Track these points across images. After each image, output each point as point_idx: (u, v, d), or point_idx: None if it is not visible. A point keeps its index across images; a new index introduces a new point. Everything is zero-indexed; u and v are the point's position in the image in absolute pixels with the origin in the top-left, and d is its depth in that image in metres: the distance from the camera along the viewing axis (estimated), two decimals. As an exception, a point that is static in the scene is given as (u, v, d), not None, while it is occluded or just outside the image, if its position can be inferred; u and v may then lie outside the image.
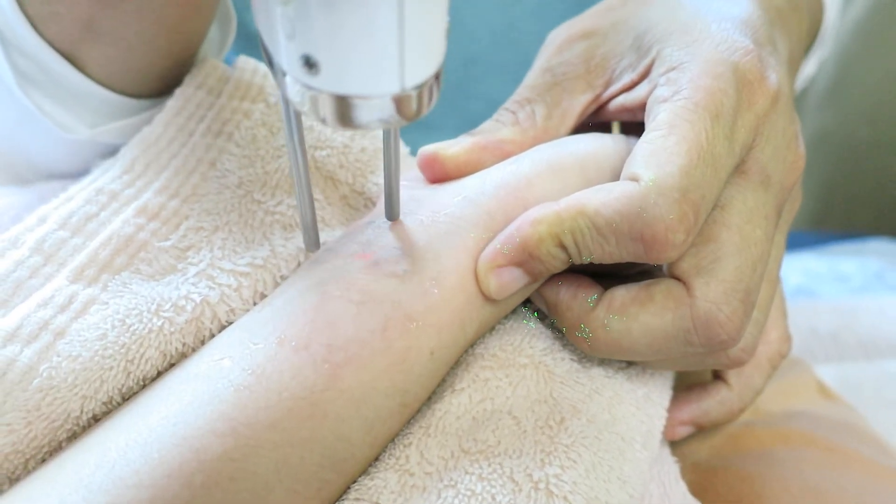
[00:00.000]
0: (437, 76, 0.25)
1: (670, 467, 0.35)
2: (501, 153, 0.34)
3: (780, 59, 0.34)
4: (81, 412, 0.29)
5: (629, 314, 0.31)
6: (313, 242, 0.31)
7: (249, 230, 0.34)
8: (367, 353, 0.28)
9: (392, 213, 0.32)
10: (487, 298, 0.31)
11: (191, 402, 0.26)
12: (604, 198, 0.29)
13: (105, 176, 0.35)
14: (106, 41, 0.36)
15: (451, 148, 0.34)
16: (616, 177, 0.32)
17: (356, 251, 0.31)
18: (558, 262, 0.31)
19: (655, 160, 0.29)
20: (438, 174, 0.34)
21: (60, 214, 0.33)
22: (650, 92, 0.32)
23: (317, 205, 0.36)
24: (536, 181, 0.32)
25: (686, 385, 0.37)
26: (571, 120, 0.36)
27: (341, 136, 0.37)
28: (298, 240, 0.35)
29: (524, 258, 0.30)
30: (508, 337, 0.33)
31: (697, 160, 0.29)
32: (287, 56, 0.23)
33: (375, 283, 0.29)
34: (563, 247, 0.30)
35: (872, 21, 0.97)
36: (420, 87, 0.24)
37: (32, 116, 0.38)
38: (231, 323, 0.32)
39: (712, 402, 0.36)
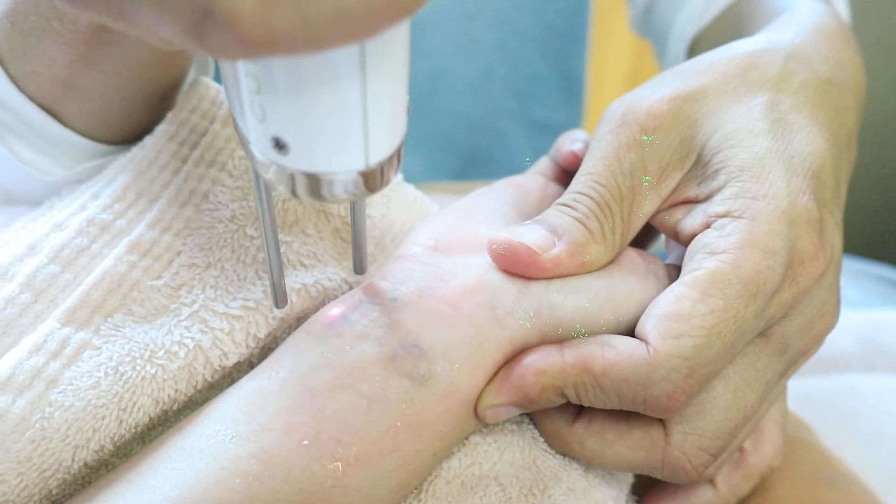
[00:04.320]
0: (399, 149, 0.26)
1: None
2: (581, 272, 0.32)
3: (840, 203, 0.34)
4: (73, 461, 0.29)
5: (606, 441, 0.32)
6: (282, 300, 0.32)
7: (242, 267, 0.34)
8: (377, 453, 0.28)
9: (360, 269, 0.33)
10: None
11: (194, 484, 0.26)
12: (612, 359, 0.29)
13: (96, 203, 0.34)
14: (85, 97, 0.35)
15: (547, 255, 0.31)
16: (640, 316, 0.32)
17: (371, 333, 0.30)
18: (556, 404, 0.31)
19: (676, 328, 0.29)
20: (521, 273, 0.31)
21: (52, 246, 0.32)
22: (702, 227, 0.32)
23: (308, 240, 0.36)
24: (566, 325, 0.31)
25: None
26: (636, 232, 0.34)
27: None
28: (290, 279, 0.34)
29: (524, 402, 0.31)
30: None
31: (717, 339, 0.29)
32: (257, 137, 0.25)
33: (389, 379, 0.29)
34: (563, 395, 0.31)
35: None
36: (383, 163, 0.25)
37: (9, 162, 0.38)
38: (224, 367, 0.32)
39: (696, 503, 0.37)
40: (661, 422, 0.32)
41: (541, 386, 0.30)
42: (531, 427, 0.33)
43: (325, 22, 0.18)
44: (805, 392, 0.65)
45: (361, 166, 0.25)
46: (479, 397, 0.31)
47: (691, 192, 0.33)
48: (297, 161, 0.24)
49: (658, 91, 0.34)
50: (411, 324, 0.30)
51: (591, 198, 0.33)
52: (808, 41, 0.37)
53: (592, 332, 0.31)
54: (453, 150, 0.82)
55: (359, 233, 0.31)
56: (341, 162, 0.24)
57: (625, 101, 0.34)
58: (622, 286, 0.32)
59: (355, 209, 0.31)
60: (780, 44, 0.37)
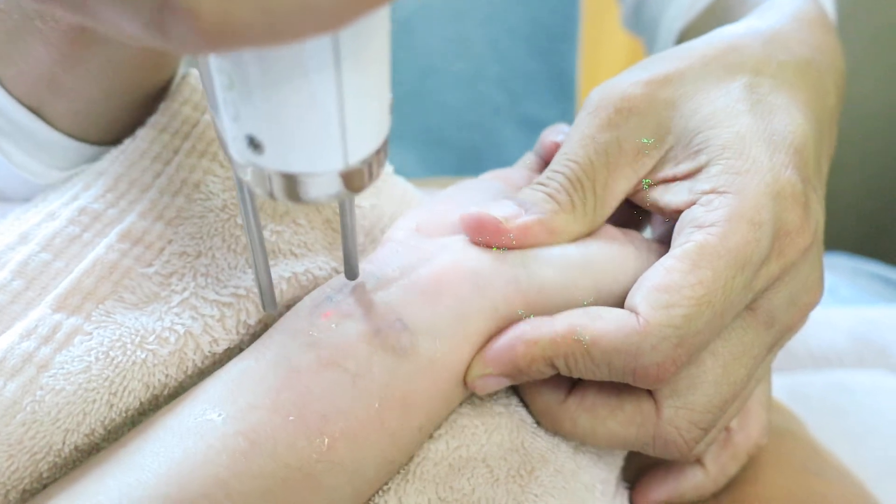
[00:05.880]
0: (381, 148, 0.25)
1: (621, 492, 0.37)
2: (549, 242, 0.33)
3: (822, 180, 0.35)
4: (63, 444, 0.29)
5: (598, 418, 0.32)
6: (270, 304, 0.31)
7: (232, 256, 0.34)
8: (361, 428, 0.28)
9: (351, 275, 0.32)
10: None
11: (182, 461, 0.27)
12: (601, 329, 0.30)
13: (87, 193, 0.34)
14: (71, 97, 0.35)
15: (512, 221, 0.32)
16: (624, 294, 0.32)
17: (355, 312, 0.31)
18: (546, 375, 0.32)
19: (665, 298, 0.29)
20: (487, 242, 0.33)
21: (44, 235, 0.32)
22: (688, 204, 0.32)
23: (300, 229, 0.36)
24: (546, 290, 0.32)
25: (664, 465, 0.38)
26: (612, 208, 0.35)
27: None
28: (280, 267, 0.35)
29: (514, 373, 0.31)
30: None
31: (706, 309, 0.29)
32: (233, 136, 0.24)
33: (373, 354, 0.29)
34: (553, 366, 0.31)
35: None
36: (364, 162, 0.25)
37: (2, 164, 0.38)
38: (214, 354, 0.32)
39: (688, 486, 0.37)
40: (652, 397, 0.32)
41: (531, 356, 0.30)
42: (519, 409, 0.34)
43: (288, 12, 0.17)
44: (796, 387, 0.66)
45: (340, 166, 0.24)
46: (468, 367, 0.31)
47: (669, 172, 0.34)
48: (273, 161, 0.24)
49: (636, 76, 0.35)
50: (395, 301, 0.31)
51: (563, 174, 0.34)
52: (787, 27, 0.38)
53: (573, 297, 0.32)
54: (446, 147, 0.82)
55: (349, 237, 0.30)
56: (319, 161, 0.24)
57: (603, 87, 0.35)
58: (599, 253, 0.33)
59: (344, 211, 0.30)
60: (759, 29, 0.37)
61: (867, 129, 1.07)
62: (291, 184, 0.24)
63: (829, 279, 0.82)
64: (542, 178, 0.34)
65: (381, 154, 0.25)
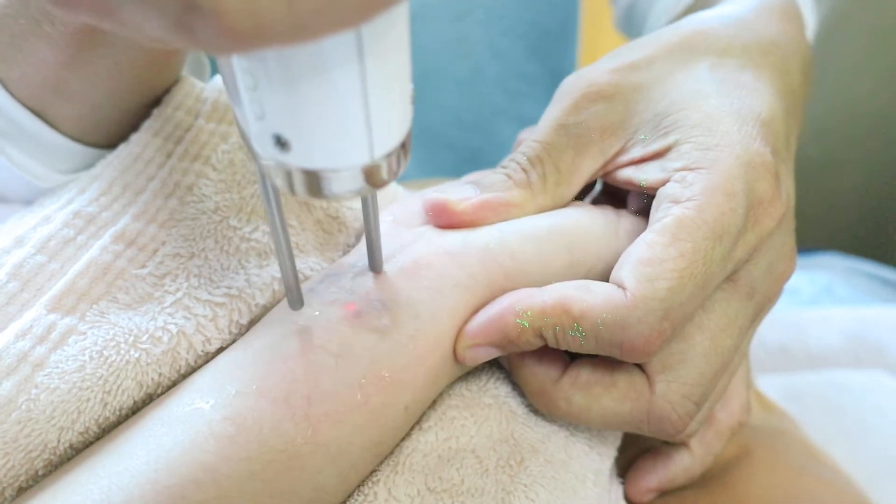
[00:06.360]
0: (404, 143, 0.26)
1: (616, 488, 0.37)
2: (507, 215, 0.34)
3: (791, 154, 0.35)
4: (58, 442, 0.29)
5: (592, 395, 0.32)
6: (297, 301, 0.32)
7: (225, 257, 0.35)
8: (345, 409, 0.29)
9: (376, 267, 0.33)
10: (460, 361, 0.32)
11: (171, 448, 0.27)
12: (590, 302, 0.30)
13: (82, 197, 0.35)
14: (75, 100, 0.36)
15: (461, 203, 0.34)
16: (599, 261, 0.34)
17: (338, 299, 0.32)
18: (534, 346, 0.32)
19: (649, 271, 0.30)
20: (446, 224, 0.34)
21: (39, 237, 0.33)
22: (662, 182, 0.33)
23: (291, 231, 0.37)
24: (520, 255, 0.33)
25: (651, 452, 0.39)
26: (579, 186, 0.36)
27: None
28: (273, 268, 0.35)
29: (503, 343, 0.32)
30: (474, 377, 0.35)
31: (689, 280, 0.30)
32: (258, 135, 0.24)
33: (355, 336, 0.30)
34: (542, 337, 0.31)
35: (818, 43, 1.00)
36: (388, 156, 0.25)
37: (4, 167, 0.38)
38: (207, 353, 0.33)
39: (677, 470, 0.38)
40: (645, 373, 0.33)
41: (521, 328, 0.31)
42: (509, 401, 0.34)
43: (314, 9, 0.17)
44: (793, 387, 0.66)
45: (366, 160, 0.24)
46: (458, 338, 0.32)
47: (637, 153, 0.35)
48: (299, 158, 0.24)
49: (604, 64, 0.36)
50: (375, 285, 0.32)
51: (524, 153, 0.35)
52: (753, 14, 0.39)
53: (547, 262, 0.33)
54: (445, 148, 0.83)
55: (372, 229, 0.31)
56: (344, 157, 0.24)
57: (572, 76, 0.36)
58: (565, 216, 0.34)
59: (366, 205, 0.30)
60: (725, 15, 0.39)
61: (867, 129, 1.07)
62: (315, 180, 0.24)
63: (826, 278, 0.82)
64: (504, 161, 0.36)
65: (405, 147, 0.26)
